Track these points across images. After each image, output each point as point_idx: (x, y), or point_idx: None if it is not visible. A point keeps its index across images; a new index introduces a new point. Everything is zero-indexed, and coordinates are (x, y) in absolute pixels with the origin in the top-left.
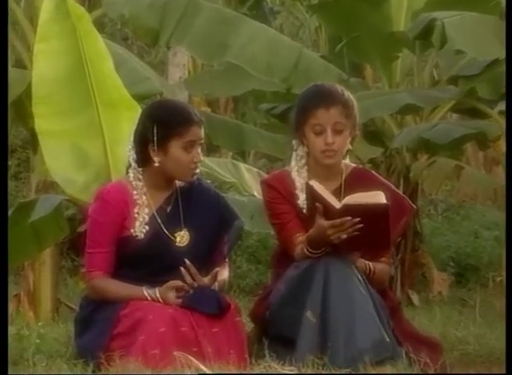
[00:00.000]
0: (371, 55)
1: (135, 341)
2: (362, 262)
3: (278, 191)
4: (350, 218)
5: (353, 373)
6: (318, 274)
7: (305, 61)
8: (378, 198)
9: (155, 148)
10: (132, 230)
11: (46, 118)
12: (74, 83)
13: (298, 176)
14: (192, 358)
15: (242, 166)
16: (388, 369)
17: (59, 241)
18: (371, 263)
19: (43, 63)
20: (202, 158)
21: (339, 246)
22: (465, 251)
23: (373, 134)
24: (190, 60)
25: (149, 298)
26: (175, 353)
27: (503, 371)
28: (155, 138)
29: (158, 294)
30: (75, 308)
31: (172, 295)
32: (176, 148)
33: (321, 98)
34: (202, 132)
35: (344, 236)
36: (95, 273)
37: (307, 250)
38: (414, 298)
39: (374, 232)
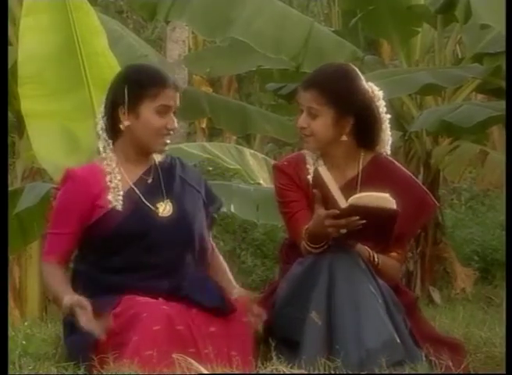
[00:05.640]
0: (388, 30)
1: (128, 341)
2: (365, 250)
3: (290, 177)
4: (356, 218)
5: (366, 374)
6: (323, 272)
7: (316, 36)
8: (389, 202)
9: (126, 110)
10: (108, 205)
11: (33, 99)
12: (64, 62)
13: (312, 160)
14: (192, 361)
15: (247, 151)
16: (405, 371)
17: None
18: (374, 253)
19: (30, 39)
20: (176, 126)
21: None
22: (491, 245)
23: (390, 117)
24: (190, 36)
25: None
26: (174, 355)
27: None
28: (126, 99)
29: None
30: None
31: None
32: (148, 110)
33: (305, 78)
34: (178, 98)
35: (344, 231)
36: (49, 256)
37: (307, 245)
38: (435, 295)
39: (376, 232)
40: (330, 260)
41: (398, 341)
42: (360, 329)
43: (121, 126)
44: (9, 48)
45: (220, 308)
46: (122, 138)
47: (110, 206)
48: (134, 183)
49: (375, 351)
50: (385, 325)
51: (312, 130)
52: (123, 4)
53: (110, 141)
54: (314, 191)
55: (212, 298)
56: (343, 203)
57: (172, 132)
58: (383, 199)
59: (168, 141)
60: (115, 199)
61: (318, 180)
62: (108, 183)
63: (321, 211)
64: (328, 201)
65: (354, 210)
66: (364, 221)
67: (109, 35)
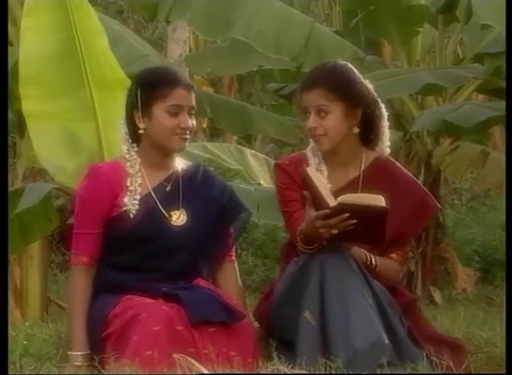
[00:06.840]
0: (389, 30)
1: (128, 342)
2: (362, 253)
3: (291, 176)
4: (346, 215)
5: (367, 374)
6: (314, 272)
7: (317, 37)
8: (378, 200)
9: (140, 113)
10: (123, 206)
11: (34, 99)
12: (65, 62)
13: (314, 159)
14: (193, 361)
15: (247, 151)
16: (406, 371)
17: (48, 233)
18: (372, 255)
19: (30, 40)
20: (191, 124)
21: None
22: (492, 245)
23: (391, 117)
24: (191, 36)
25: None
26: (174, 356)
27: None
28: (139, 102)
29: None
30: (65, 307)
31: None
32: (159, 111)
33: (306, 79)
34: (191, 98)
35: (335, 231)
36: (80, 257)
37: (300, 245)
38: (436, 295)
39: (367, 231)
40: (321, 260)
41: (387, 341)
42: (349, 329)
43: (140, 131)
44: (10, 48)
45: (226, 321)
46: (143, 142)
47: (124, 208)
48: (153, 189)
49: (362, 351)
50: (373, 326)
51: (325, 129)
52: (124, 4)
53: (134, 144)
54: (304, 192)
55: (217, 310)
56: (332, 202)
57: (188, 131)
58: (372, 198)
59: (188, 137)
60: (130, 203)
61: (307, 181)
62: (128, 185)
63: (311, 212)
64: (318, 201)
65: (344, 209)
66: (354, 221)
67: (110, 35)
